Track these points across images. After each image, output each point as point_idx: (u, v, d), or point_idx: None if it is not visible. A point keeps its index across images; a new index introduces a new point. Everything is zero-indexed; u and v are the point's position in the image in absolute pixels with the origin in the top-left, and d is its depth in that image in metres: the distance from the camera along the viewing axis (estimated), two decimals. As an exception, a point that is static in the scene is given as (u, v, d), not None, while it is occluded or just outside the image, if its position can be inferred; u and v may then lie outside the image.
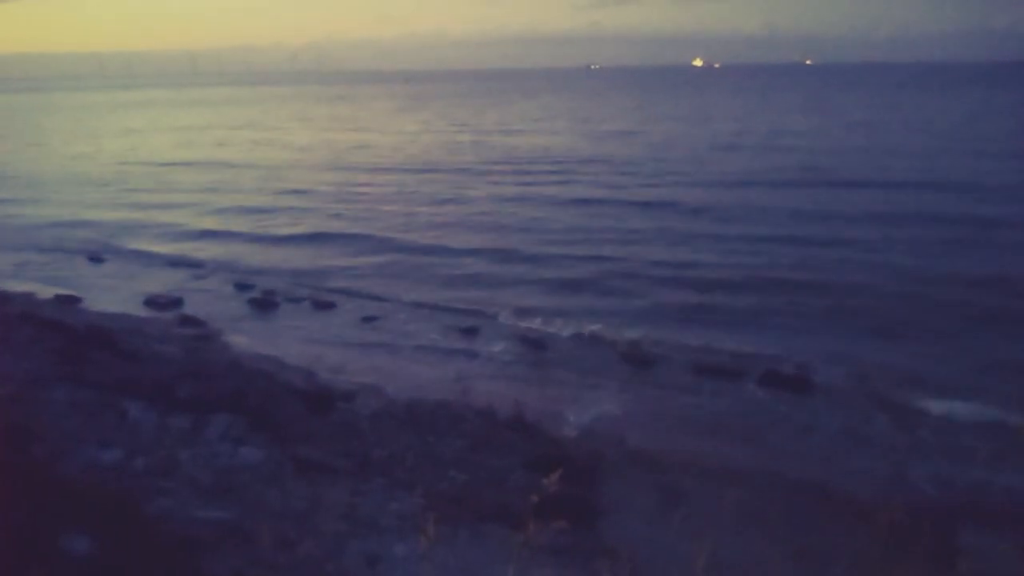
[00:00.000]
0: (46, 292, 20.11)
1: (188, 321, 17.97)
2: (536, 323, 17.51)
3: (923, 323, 16.52)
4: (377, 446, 10.10)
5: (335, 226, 29.12)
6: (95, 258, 25.07)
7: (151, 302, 19.68)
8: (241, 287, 21.20)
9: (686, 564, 4.76)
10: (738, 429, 12.39)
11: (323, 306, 19.46)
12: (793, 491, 9.85)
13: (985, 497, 10.12)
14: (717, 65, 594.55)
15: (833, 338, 15.93)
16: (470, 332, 17.16)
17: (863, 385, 13.69)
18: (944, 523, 8.85)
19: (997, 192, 30.80)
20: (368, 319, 18.42)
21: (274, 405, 10.54)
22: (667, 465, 10.66)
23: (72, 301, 19.44)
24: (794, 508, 9.32)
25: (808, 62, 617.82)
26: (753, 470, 10.52)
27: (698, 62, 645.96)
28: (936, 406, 12.78)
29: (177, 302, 19.65)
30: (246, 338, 16.98)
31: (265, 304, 19.68)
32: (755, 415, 12.86)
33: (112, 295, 20.60)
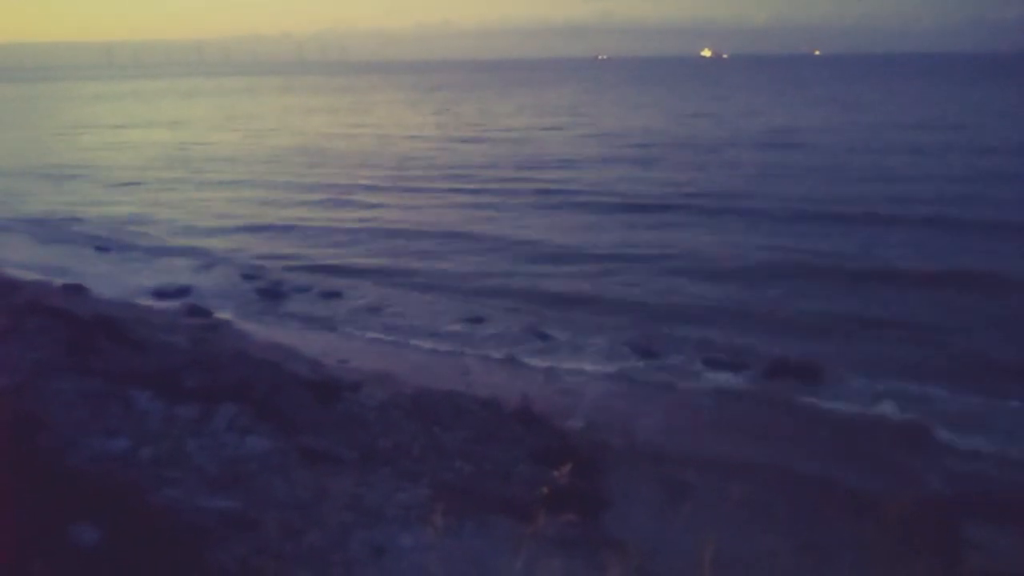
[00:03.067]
0: (53, 281, 20.16)
1: (195, 311, 18.00)
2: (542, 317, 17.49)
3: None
4: (383, 436, 10.11)
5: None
6: (102, 248, 25.12)
7: (158, 292, 19.72)
8: (248, 277, 21.22)
9: (692, 556, 4.75)
10: (744, 422, 12.37)
11: (330, 295, 19.48)
12: (799, 484, 9.83)
13: (992, 490, 10.08)
14: (725, 56, 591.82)
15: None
16: (477, 321, 17.17)
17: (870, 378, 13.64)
18: (950, 516, 8.84)
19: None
20: (375, 308, 18.43)
21: (281, 395, 10.54)
22: (673, 458, 10.65)
23: (79, 291, 19.47)
24: (800, 501, 9.30)
25: (816, 52, 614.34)
26: (759, 463, 10.50)
27: (707, 52, 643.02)
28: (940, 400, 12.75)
29: (184, 291, 19.68)
30: (253, 328, 17.01)
31: (272, 294, 19.71)
32: (761, 407, 12.84)
33: (119, 285, 20.65)
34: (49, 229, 28.15)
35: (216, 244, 25.46)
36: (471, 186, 34.76)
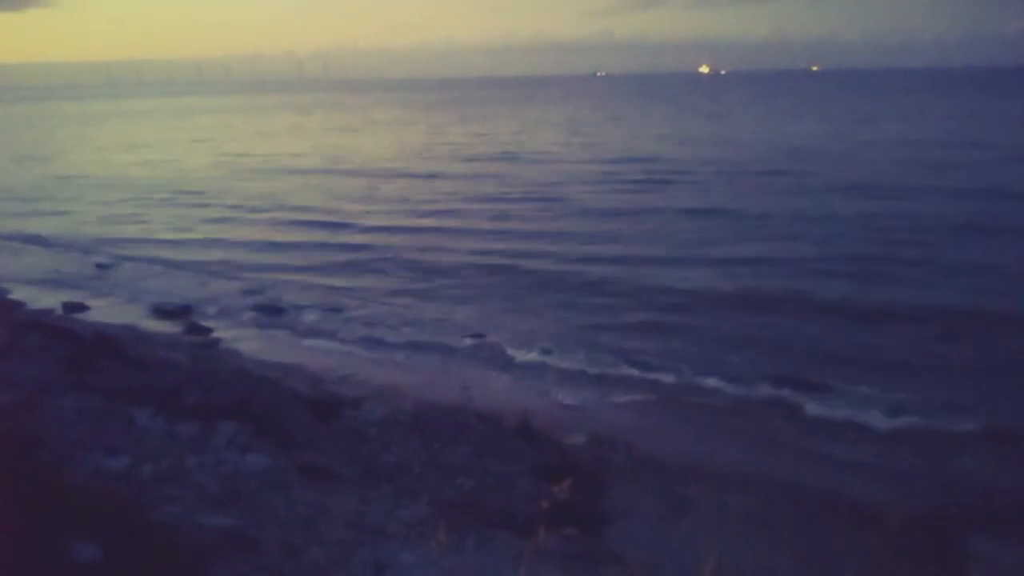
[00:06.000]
0: (54, 299, 20.19)
1: (195, 328, 18.01)
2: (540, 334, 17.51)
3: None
4: (384, 453, 10.09)
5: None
6: (103, 265, 25.15)
7: (158, 309, 19.74)
8: (249, 293, 21.25)
9: (694, 571, 4.73)
10: (744, 434, 12.36)
11: (331, 311, 19.49)
12: (800, 497, 9.80)
13: (994, 502, 10.04)
14: (723, 72, 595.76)
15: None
16: (477, 337, 17.17)
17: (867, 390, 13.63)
18: (953, 528, 8.80)
19: None
20: (375, 324, 18.44)
21: (280, 412, 10.54)
22: (674, 471, 10.63)
23: (80, 309, 19.51)
24: (802, 514, 9.27)
25: (815, 68, 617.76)
26: (760, 476, 10.47)
27: (705, 69, 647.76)
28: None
29: (184, 309, 19.69)
30: (253, 345, 17.01)
31: (272, 310, 19.71)
32: (762, 420, 12.83)
33: (120, 303, 20.67)
34: (50, 246, 28.20)
35: (216, 261, 25.49)
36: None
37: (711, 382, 14.27)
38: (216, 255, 26.35)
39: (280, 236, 29.23)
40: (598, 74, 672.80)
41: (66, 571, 4.60)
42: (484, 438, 11.00)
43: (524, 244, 26.12)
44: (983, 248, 23.05)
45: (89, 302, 20.24)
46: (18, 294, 20.44)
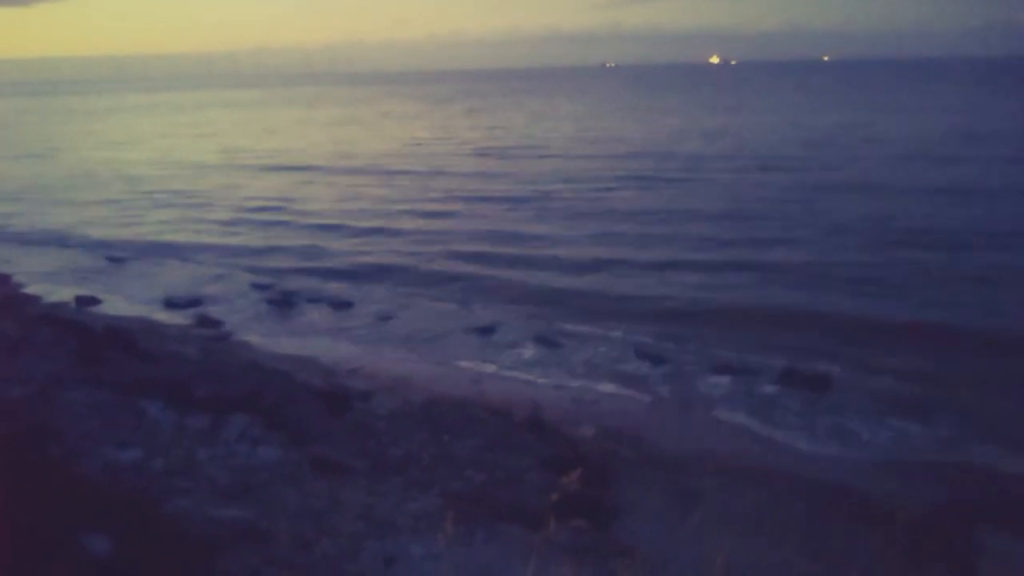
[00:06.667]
0: (66, 293, 20.32)
1: (206, 321, 18.10)
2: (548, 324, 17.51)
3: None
4: (394, 446, 10.12)
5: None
6: (114, 259, 25.30)
7: (169, 303, 19.83)
8: (259, 287, 21.32)
9: (703, 565, 4.73)
10: (752, 430, 12.34)
11: (341, 305, 19.54)
12: (809, 493, 9.78)
13: (1003, 496, 10.00)
14: (734, 62, 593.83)
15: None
16: (487, 331, 17.19)
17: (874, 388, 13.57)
18: (962, 524, 8.77)
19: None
20: (385, 318, 18.49)
21: (291, 405, 10.58)
22: (683, 466, 10.62)
23: (91, 302, 19.63)
24: (810, 510, 9.25)
25: (825, 58, 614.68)
26: (768, 471, 10.46)
27: (715, 59, 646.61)
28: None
29: (195, 302, 19.79)
30: (264, 338, 17.08)
31: (283, 304, 19.78)
32: (770, 416, 12.81)
33: (131, 296, 20.79)
34: (63, 241, 28.39)
35: (227, 256, 25.58)
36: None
37: (720, 378, 14.23)
38: (226, 250, 26.46)
39: (290, 232, 29.32)
40: (607, 65, 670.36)
41: (77, 563, 4.63)
42: (494, 431, 11.01)
43: (533, 243, 25.93)
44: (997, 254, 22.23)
45: (101, 296, 20.36)
46: (33, 288, 20.58)
